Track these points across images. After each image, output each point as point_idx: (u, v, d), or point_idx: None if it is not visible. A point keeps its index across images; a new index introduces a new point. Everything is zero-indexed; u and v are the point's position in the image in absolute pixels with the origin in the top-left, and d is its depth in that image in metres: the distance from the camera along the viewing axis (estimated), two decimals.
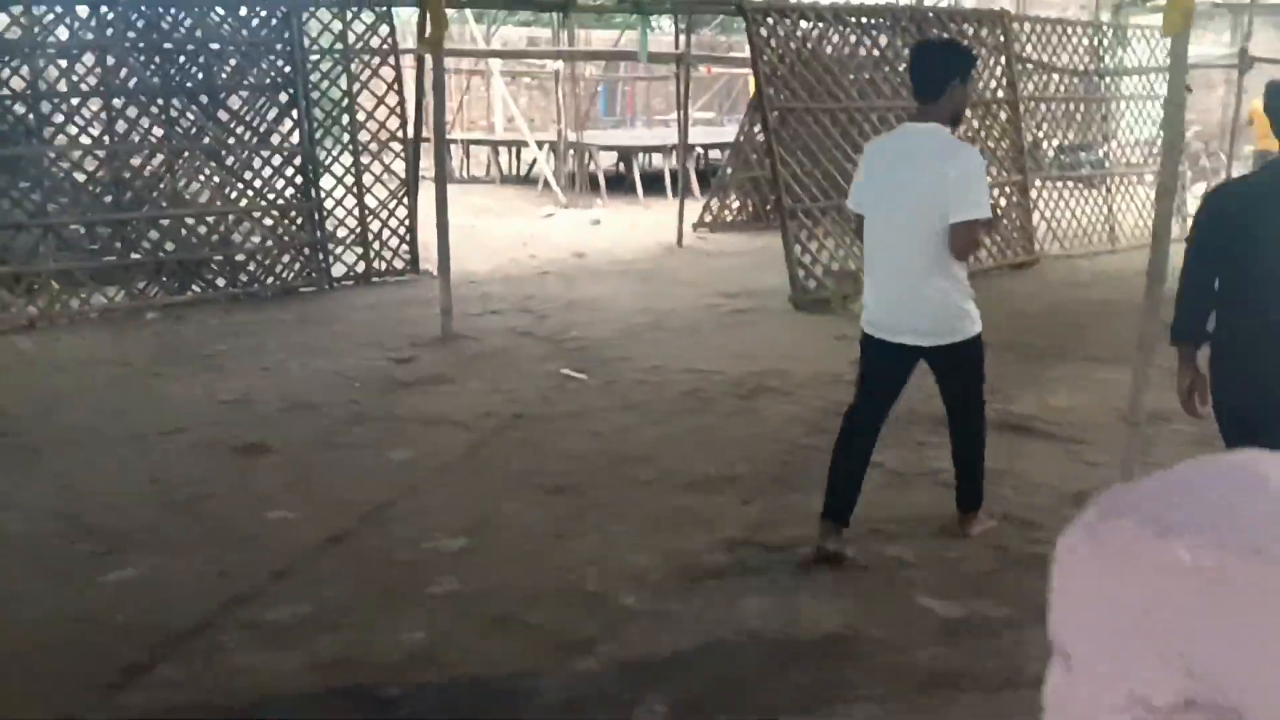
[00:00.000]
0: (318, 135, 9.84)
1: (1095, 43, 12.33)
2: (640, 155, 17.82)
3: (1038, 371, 7.02)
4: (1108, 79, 12.50)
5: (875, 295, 4.10)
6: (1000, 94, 11.05)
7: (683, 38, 13.26)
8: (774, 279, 9.42)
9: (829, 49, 9.74)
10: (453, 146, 17.93)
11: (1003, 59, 11.03)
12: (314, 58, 9.70)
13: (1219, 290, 3.35)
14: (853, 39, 9.99)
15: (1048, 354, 7.45)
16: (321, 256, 9.78)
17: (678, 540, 4.41)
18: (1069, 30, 12.08)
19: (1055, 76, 11.92)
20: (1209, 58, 17.85)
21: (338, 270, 9.88)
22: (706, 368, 7.07)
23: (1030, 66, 11.52)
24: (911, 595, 3.95)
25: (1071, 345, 7.64)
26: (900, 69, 10.20)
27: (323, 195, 9.82)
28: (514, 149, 19.31)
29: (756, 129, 13.46)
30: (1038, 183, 11.58)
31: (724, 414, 6.15)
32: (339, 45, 9.85)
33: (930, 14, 10.64)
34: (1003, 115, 11.08)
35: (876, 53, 10.19)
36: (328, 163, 10.00)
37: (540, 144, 17.29)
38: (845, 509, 4.21)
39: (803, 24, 9.42)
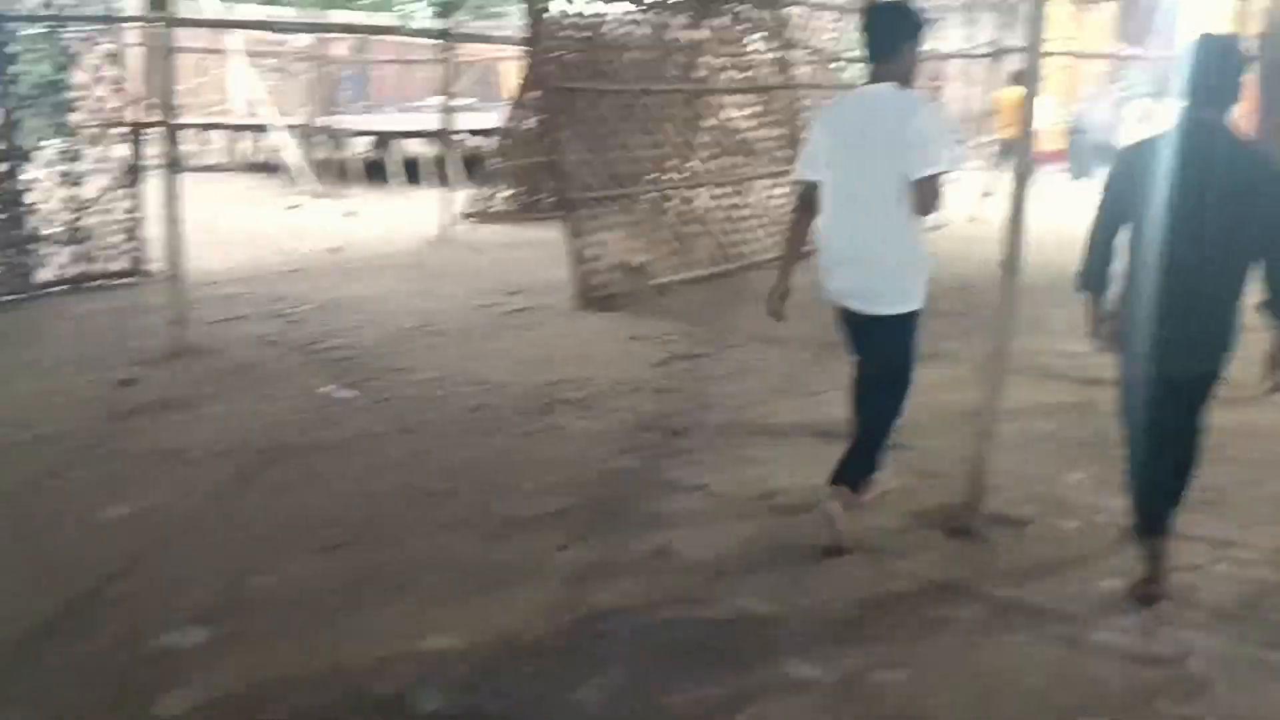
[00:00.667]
0: (18, 118, 8.29)
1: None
2: (396, 142, 16.65)
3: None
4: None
5: (833, 262, 4.01)
6: (776, 79, 10.69)
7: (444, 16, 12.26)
8: (555, 274, 8.63)
9: (608, 27, 9.03)
10: (186, 131, 16.17)
11: (776, 43, 10.66)
12: (12, 25, 8.16)
13: (1127, 242, 3.51)
14: (632, 18, 9.32)
15: None
16: (23, 259, 8.26)
17: (489, 608, 3.54)
18: (835, 15, 11.87)
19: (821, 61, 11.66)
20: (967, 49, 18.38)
21: (46, 274, 8.38)
22: (494, 378, 6.21)
23: (805, 52, 11.23)
24: (779, 662, 3.25)
25: None
26: (680, 48, 9.66)
27: (25, 187, 8.30)
28: (256, 135, 17.68)
29: (527, 116, 12.68)
30: None
31: (521, 434, 5.32)
32: (46, 9, 8.35)
33: None
34: (778, 103, 10.72)
35: (655, 32, 9.56)
36: (32, 149, 8.47)
37: (286, 129, 15.83)
38: (856, 480, 4.11)
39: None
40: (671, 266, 9.11)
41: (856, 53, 12.23)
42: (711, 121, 10.01)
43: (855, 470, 4.06)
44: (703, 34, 9.83)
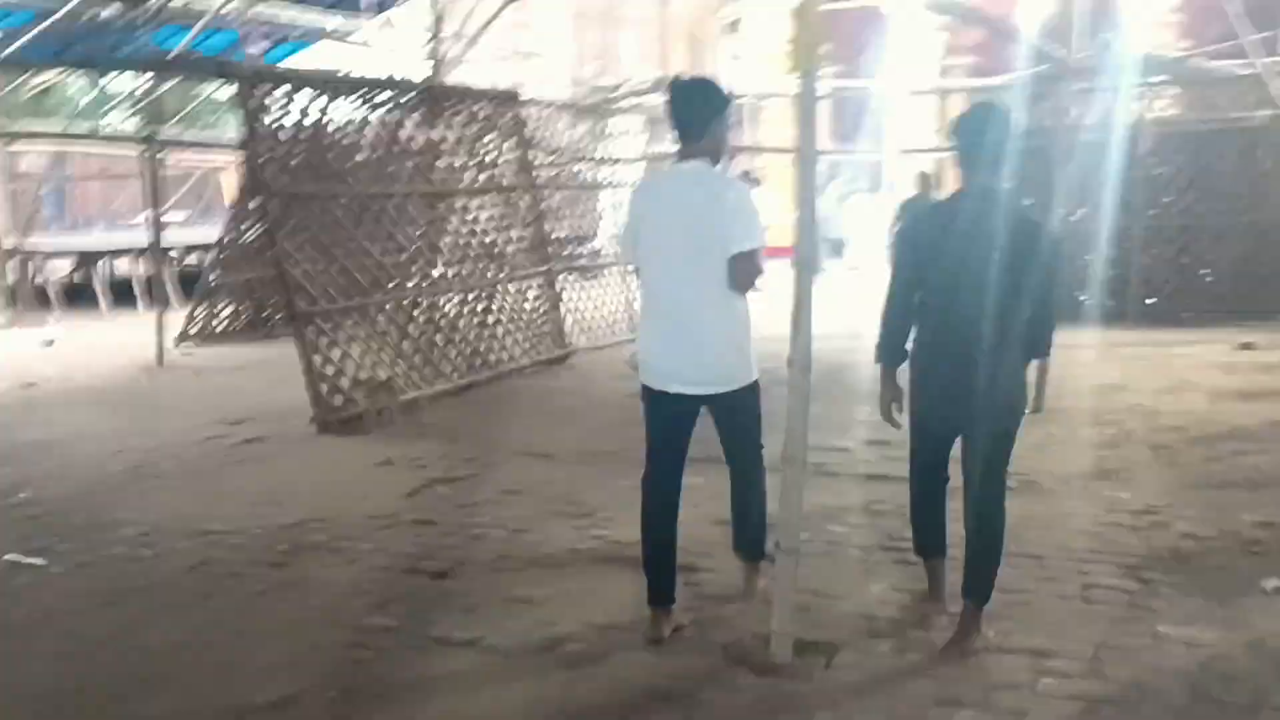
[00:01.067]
0: None
1: (597, 130, 12.08)
2: (104, 261, 15.22)
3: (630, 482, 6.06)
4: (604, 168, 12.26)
5: (657, 344, 3.92)
6: (519, 180, 10.34)
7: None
8: (289, 397, 7.79)
9: (334, 127, 8.39)
10: None
11: (515, 142, 10.33)
12: None
13: (917, 310, 3.69)
14: (360, 116, 8.73)
15: (629, 460, 6.54)
16: None
17: None
18: (571, 115, 11.74)
19: (560, 163, 11.44)
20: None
21: None
22: (220, 526, 5.32)
23: (543, 152, 10.97)
24: None
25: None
26: (416, 149, 9.13)
27: None
28: None
29: (248, 225, 11.77)
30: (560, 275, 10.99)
31: (254, 593, 4.49)
32: None
33: (440, 90, 9.67)
34: (523, 204, 10.35)
35: (387, 132, 8.99)
36: None
37: None
38: (668, 589, 3.94)
39: (303, 98, 7.97)
40: (420, 380, 8.45)
41: (595, 152, 12.40)
42: (455, 225, 9.49)
43: (755, 546, 4.13)
44: (439, 134, 9.35)
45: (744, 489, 4.10)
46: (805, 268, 3.73)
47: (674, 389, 3.86)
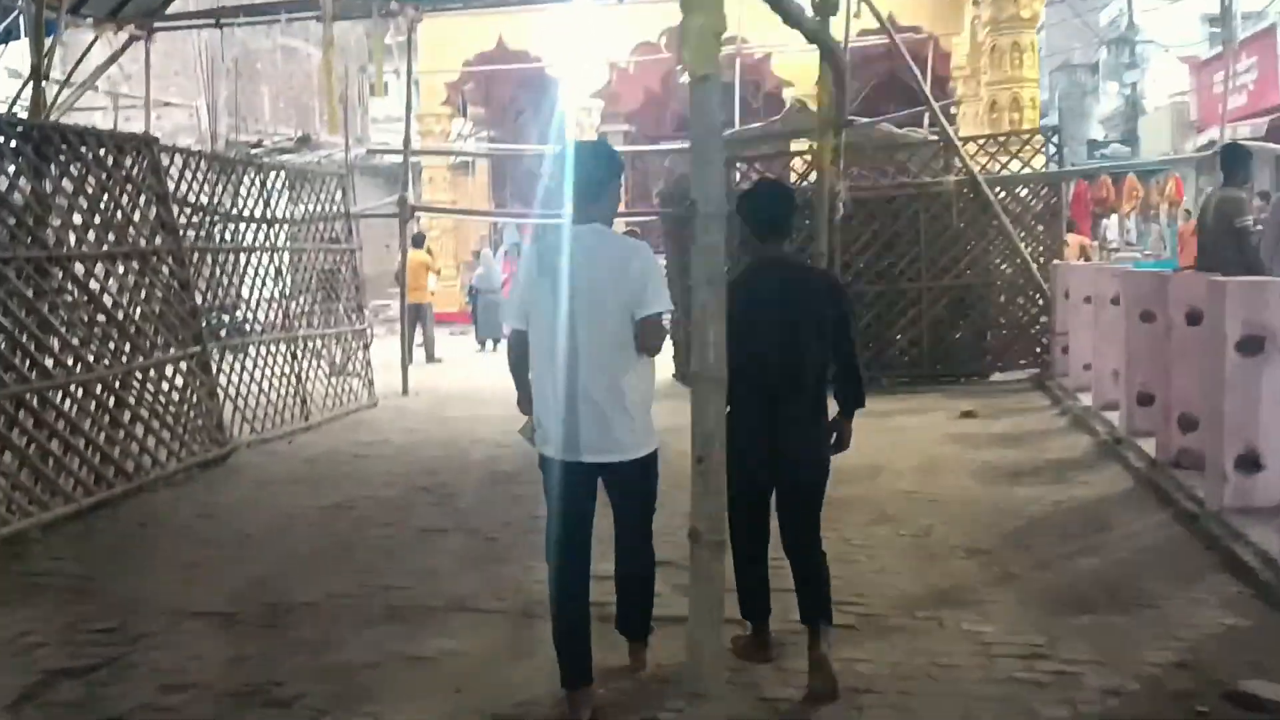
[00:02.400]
0: None
1: (259, 182, 10.25)
2: None
3: (362, 654, 4.45)
4: (275, 226, 10.46)
5: (553, 413, 3.76)
6: (159, 241, 8.38)
7: None
8: None
9: None
10: None
11: (154, 197, 8.38)
12: None
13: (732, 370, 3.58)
14: None
15: (347, 615, 4.90)
16: None
17: None
18: (219, 168, 9.83)
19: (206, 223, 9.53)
20: (378, 208, 17.07)
21: None
22: None
23: (189, 209, 9.05)
24: None
25: (359, 587, 5.22)
26: (18, 204, 7.02)
27: None
28: None
29: None
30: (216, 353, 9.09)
31: None
32: None
33: (51, 130, 7.58)
34: (165, 269, 8.39)
35: None
36: None
37: None
38: (585, 670, 3.71)
39: None
40: (27, 505, 6.35)
41: (244, 211, 10.57)
42: (75, 297, 7.42)
43: (641, 627, 4.03)
44: (49, 186, 7.30)
45: (632, 563, 3.95)
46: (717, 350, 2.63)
47: (584, 458, 3.72)
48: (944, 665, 3.97)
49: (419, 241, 16.83)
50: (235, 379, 9.28)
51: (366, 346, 11.92)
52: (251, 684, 4.02)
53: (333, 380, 11.00)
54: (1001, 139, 11.79)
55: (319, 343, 10.92)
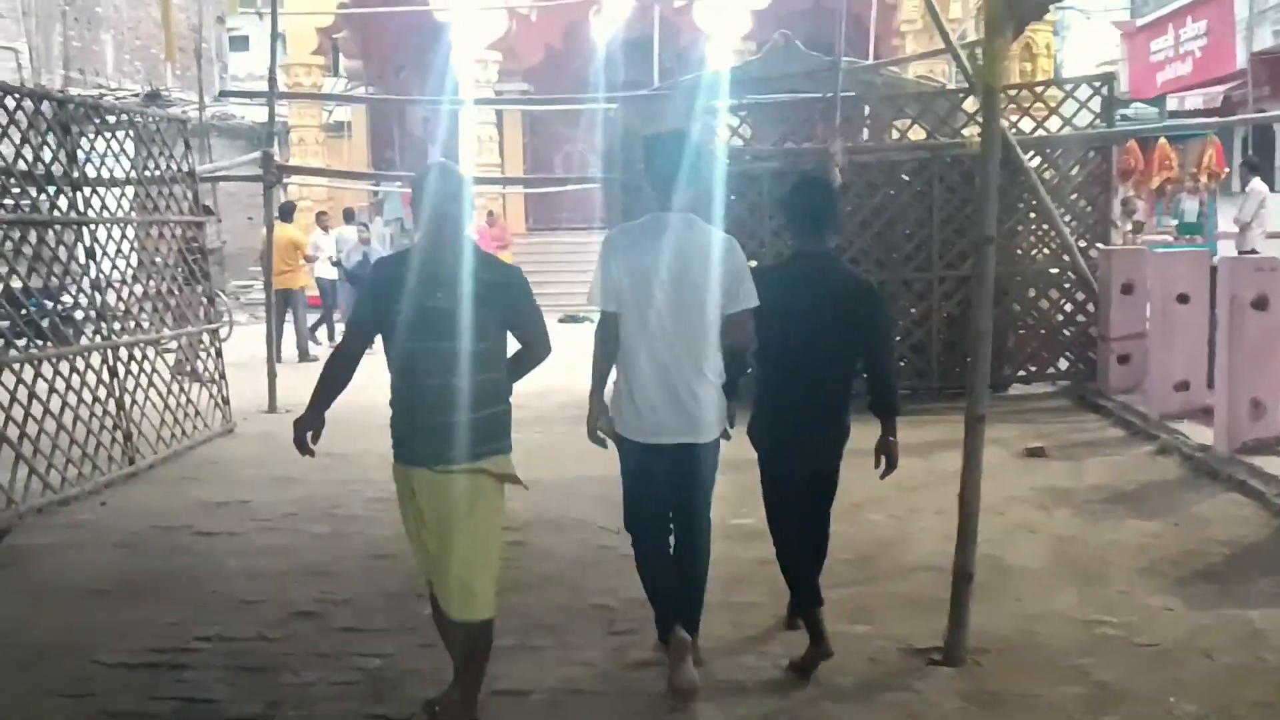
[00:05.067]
0: None
1: (64, 133, 7.29)
2: None
3: None
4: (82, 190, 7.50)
5: (639, 395, 3.83)
6: None
7: None
8: None
9: None
10: None
11: None
12: None
13: (758, 354, 4.01)
14: None
15: None
16: None
17: None
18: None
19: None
20: (234, 167, 13.96)
21: None
22: None
23: None
24: None
25: None
26: None
27: None
28: None
29: None
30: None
31: None
32: None
33: None
34: None
35: None
36: None
37: None
38: (684, 617, 3.92)
39: None
40: None
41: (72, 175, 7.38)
42: None
43: (696, 610, 4.00)
44: None
45: (691, 547, 3.97)
46: None
47: (666, 439, 3.81)
48: None
49: (288, 213, 13.82)
50: (20, 406, 6.39)
51: (219, 351, 9.02)
52: None
53: (174, 394, 8.10)
54: (1039, 88, 9.49)
55: (149, 351, 7.99)
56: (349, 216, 15.69)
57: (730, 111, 9.54)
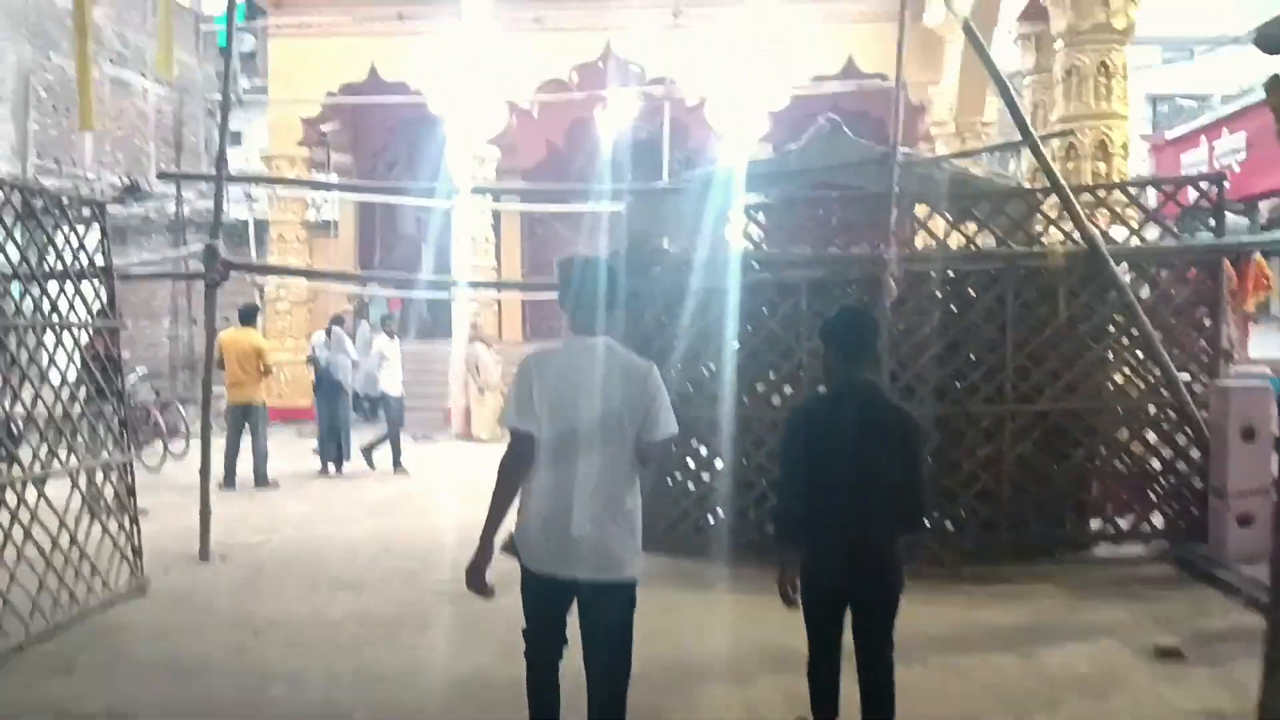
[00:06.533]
0: None
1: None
2: None
3: None
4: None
5: (545, 524, 3.75)
6: None
7: None
8: None
9: None
10: None
11: None
12: None
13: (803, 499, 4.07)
14: None
15: None
16: None
17: None
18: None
19: None
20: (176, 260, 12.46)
21: None
22: None
23: None
24: None
25: None
26: None
27: None
28: None
29: None
30: None
31: None
32: None
33: None
34: None
35: None
36: None
37: None
38: None
39: None
40: None
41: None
42: None
43: None
44: None
45: (605, 701, 3.77)
46: None
47: (577, 574, 3.70)
48: None
49: (249, 316, 12.24)
50: None
51: (130, 489, 7.31)
52: None
53: (59, 547, 6.40)
54: (1134, 190, 8.00)
55: (28, 490, 6.28)
56: (336, 322, 14.07)
57: (760, 210, 8.06)
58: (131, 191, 23.81)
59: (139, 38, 25.54)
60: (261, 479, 11.74)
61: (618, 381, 3.76)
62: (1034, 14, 10.58)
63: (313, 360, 13.37)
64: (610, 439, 3.72)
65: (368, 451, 13.00)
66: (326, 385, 13.12)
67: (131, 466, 7.36)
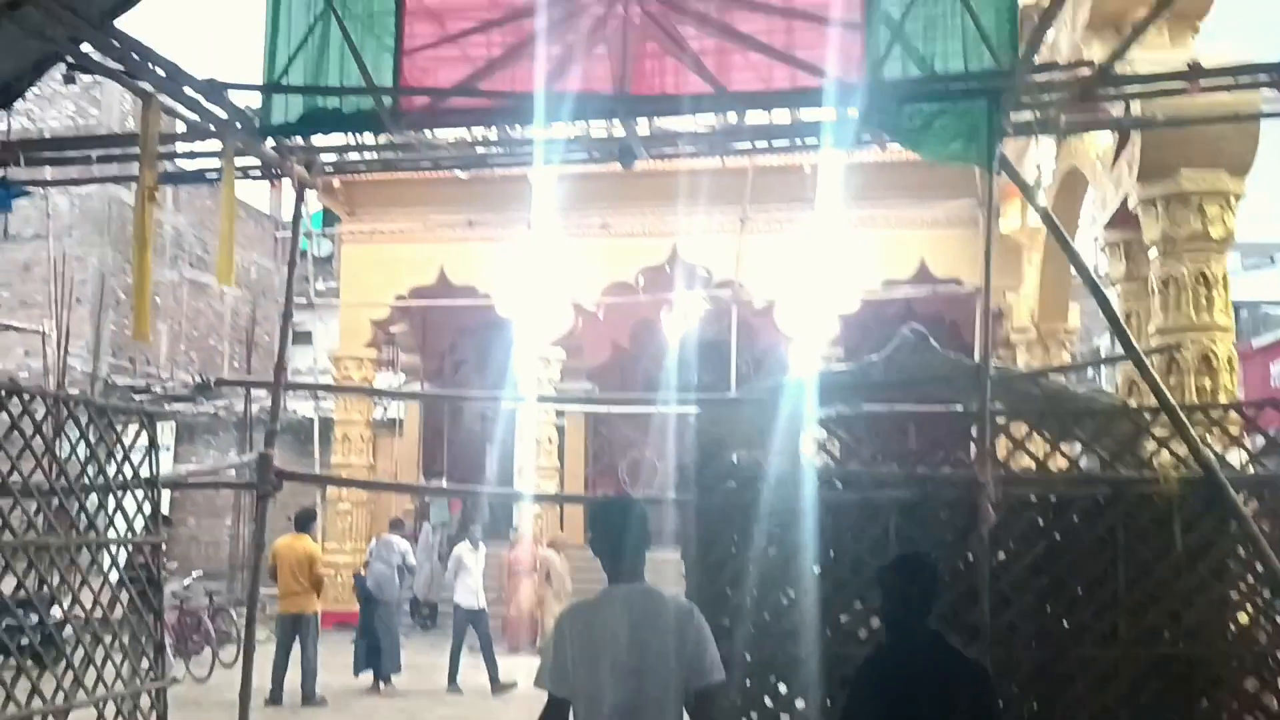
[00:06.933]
0: None
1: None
2: None
3: None
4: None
5: None
6: None
7: None
8: None
9: None
10: None
11: None
12: None
13: None
14: None
15: None
16: None
17: None
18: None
19: None
20: (222, 470, 12.21)
21: None
22: None
23: None
24: None
25: None
26: None
27: None
28: None
29: None
30: None
31: None
32: None
33: None
34: None
35: None
36: None
37: None
38: None
39: None
40: None
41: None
42: None
43: None
44: None
45: None
46: None
47: None
48: None
49: (305, 523, 11.86)
50: None
51: (162, 716, 6.75)
52: None
53: None
54: (1250, 411, 7.40)
55: None
56: (396, 526, 13.65)
57: (842, 423, 7.57)
58: (202, 390, 24.06)
59: (217, 243, 26.35)
60: (309, 696, 11.11)
61: (659, 628, 3.68)
62: (1122, 221, 10.23)
63: (362, 590, 12.89)
64: (655, 692, 3.63)
65: (452, 671, 12.29)
66: (363, 593, 12.65)
67: (164, 693, 6.83)
